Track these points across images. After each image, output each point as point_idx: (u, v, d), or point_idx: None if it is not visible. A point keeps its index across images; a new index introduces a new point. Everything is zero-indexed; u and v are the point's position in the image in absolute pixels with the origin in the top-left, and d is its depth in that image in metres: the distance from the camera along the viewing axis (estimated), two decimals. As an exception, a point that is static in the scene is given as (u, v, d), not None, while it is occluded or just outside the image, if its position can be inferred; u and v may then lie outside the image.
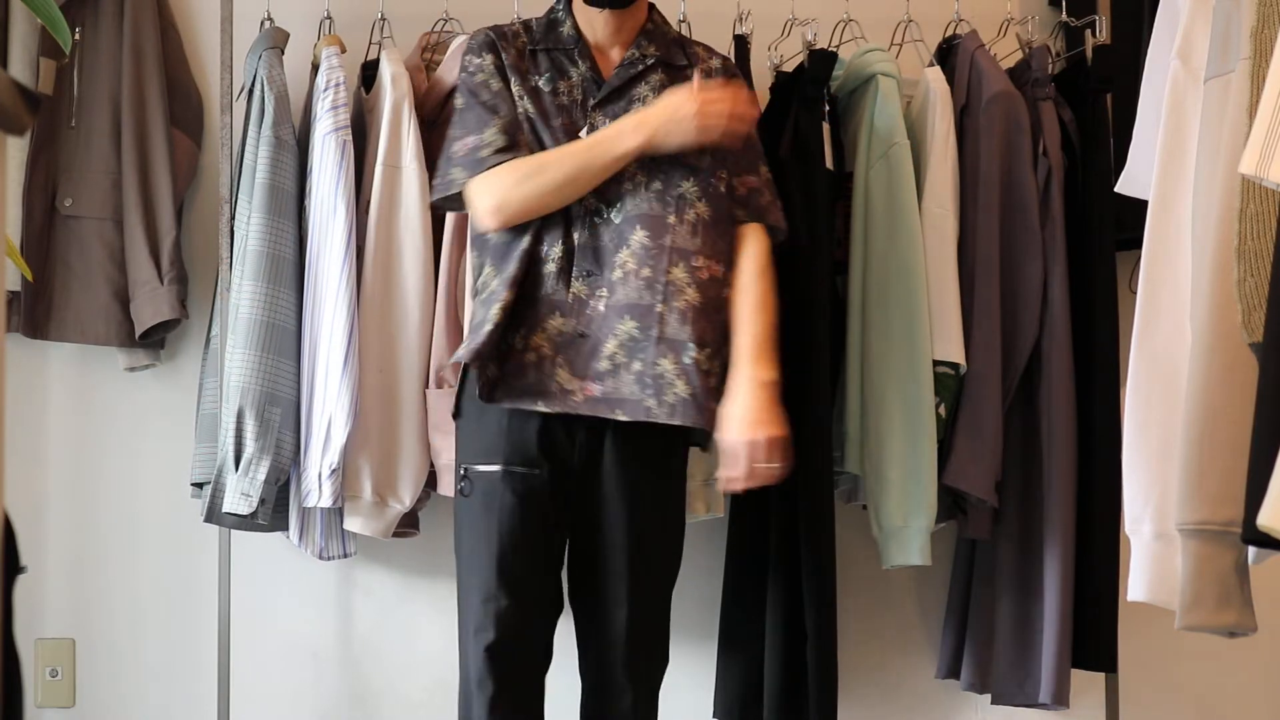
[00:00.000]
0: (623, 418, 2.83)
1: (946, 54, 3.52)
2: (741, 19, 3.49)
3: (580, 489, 2.89)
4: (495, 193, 2.88)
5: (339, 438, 3.25)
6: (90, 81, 3.52)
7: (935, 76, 3.41)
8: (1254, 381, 2.18)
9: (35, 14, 2.74)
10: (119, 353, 3.61)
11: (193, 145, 3.63)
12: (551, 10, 3.07)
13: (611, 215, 2.91)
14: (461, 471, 2.91)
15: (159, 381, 3.67)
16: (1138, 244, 2.68)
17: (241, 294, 3.29)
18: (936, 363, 3.30)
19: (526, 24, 3.09)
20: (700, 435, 2.99)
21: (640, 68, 3.00)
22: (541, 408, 2.85)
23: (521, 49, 3.02)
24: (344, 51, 3.42)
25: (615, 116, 2.94)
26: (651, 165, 2.91)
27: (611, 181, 2.90)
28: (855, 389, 3.34)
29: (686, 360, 2.84)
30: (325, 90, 3.34)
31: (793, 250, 3.35)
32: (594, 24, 3.02)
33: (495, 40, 3.03)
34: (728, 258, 2.94)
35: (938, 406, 3.29)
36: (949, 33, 3.55)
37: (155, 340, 3.57)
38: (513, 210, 2.88)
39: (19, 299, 3.46)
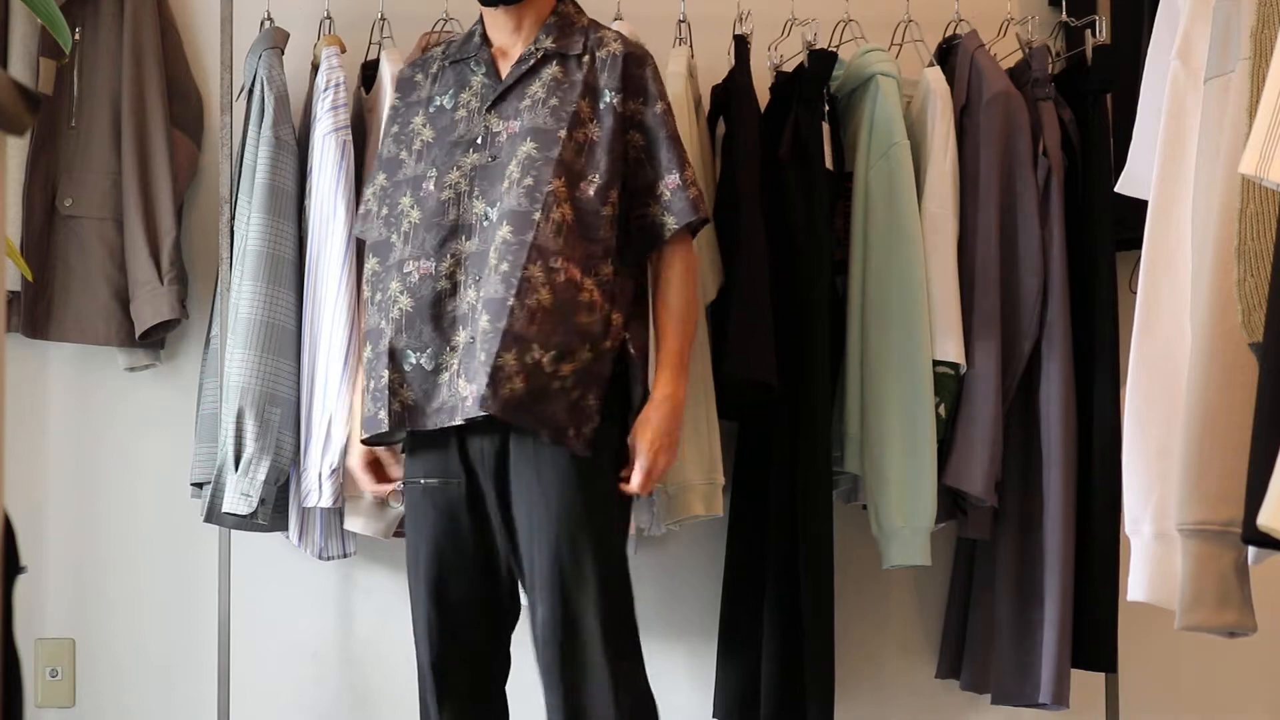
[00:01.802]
0: (479, 414, 2.79)
1: (946, 54, 3.52)
2: (741, 19, 3.49)
3: (495, 490, 2.88)
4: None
5: (339, 438, 3.25)
6: (90, 81, 3.52)
7: (935, 76, 3.41)
8: (1254, 381, 2.18)
9: (35, 14, 2.73)
10: (119, 353, 3.61)
11: (193, 145, 3.63)
12: (475, 22, 3.09)
13: (492, 214, 2.90)
14: (400, 485, 2.98)
15: (159, 381, 3.67)
16: (1138, 244, 2.67)
17: (241, 294, 3.29)
18: (936, 363, 3.30)
19: (450, 42, 3.12)
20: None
21: (532, 62, 2.97)
22: (457, 421, 2.86)
23: (436, 72, 3.05)
24: (344, 51, 3.42)
25: (509, 117, 2.94)
26: (527, 162, 2.88)
27: (498, 182, 2.90)
28: (855, 389, 3.34)
29: (528, 359, 2.80)
30: (325, 90, 3.34)
31: (793, 250, 3.35)
32: (496, 25, 3.03)
33: (411, 76, 3.09)
34: (588, 265, 2.86)
35: (938, 406, 3.29)
36: (949, 33, 3.55)
37: (155, 340, 3.57)
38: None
39: (19, 299, 3.46)
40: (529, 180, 2.86)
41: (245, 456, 3.24)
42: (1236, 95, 2.34)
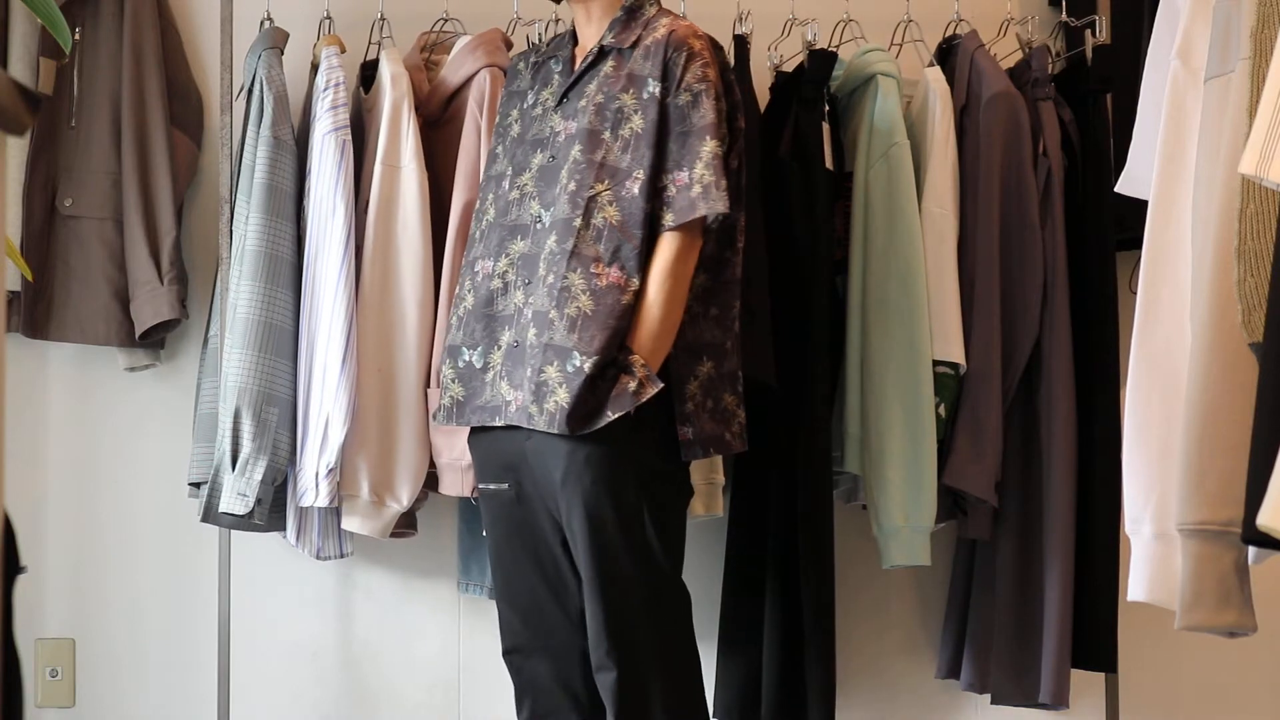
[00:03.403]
0: (528, 426, 2.83)
1: (946, 54, 3.52)
2: (741, 19, 3.49)
3: (540, 491, 2.91)
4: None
5: (336, 437, 3.25)
6: (90, 81, 3.52)
7: (935, 76, 3.41)
8: (1254, 381, 2.18)
9: (35, 14, 2.73)
10: (119, 353, 3.61)
11: (193, 145, 3.62)
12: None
13: (545, 220, 2.92)
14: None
15: (159, 381, 3.67)
16: (1138, 244, 2.68)
17: (239, 294, 3.29)
18: (936, 363, 3.30)
19: (558, 36, 3.15)
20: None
21: (591, 59, 2.97)
22: (497, 423, 2.90)
23: (534, 64, 3.10)
24: (344, 51, 3.42)
25: (569, 116, 2.94)
26: (573, 166, 2.88)
27: (553, 185, 2.91)
28: (855, 389, 3.34)
29: (569, 368, 2.79)
30: (325, 90, 3.34)
31: (793, 250, 3.35)
32: (578, 20, 3.04)
33: (516, 65, 3.15)
34: (633, 265, 2.82)
35: (938, 406, 3.29)
36: (949, 33, 3.55)
37: (155, 340, 3.57)
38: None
39: (19, 299, 3.46)
40: (573, 185, 2.88)
41: (242, 456, 3.24)
42: (1236, 95, 2.34)
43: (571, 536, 2.86)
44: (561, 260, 2.83)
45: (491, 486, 2.96)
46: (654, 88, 2.88)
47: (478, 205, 3.11)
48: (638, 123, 2.87)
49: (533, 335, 2.85)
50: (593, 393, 2.77)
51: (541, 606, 2.95)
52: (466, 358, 2.96)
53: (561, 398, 2.78)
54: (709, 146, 2.84)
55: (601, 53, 2.95)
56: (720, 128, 2.86)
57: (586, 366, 2.76)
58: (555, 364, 2.80)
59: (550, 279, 2.84)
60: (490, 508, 2.98)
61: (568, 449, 2.81)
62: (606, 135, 2.87)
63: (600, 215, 2.83)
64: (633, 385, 2.79)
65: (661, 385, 2.81)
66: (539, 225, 2.91)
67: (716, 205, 2.82)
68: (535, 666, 2.97)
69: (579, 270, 2.81)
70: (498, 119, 3.15)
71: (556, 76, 3.03)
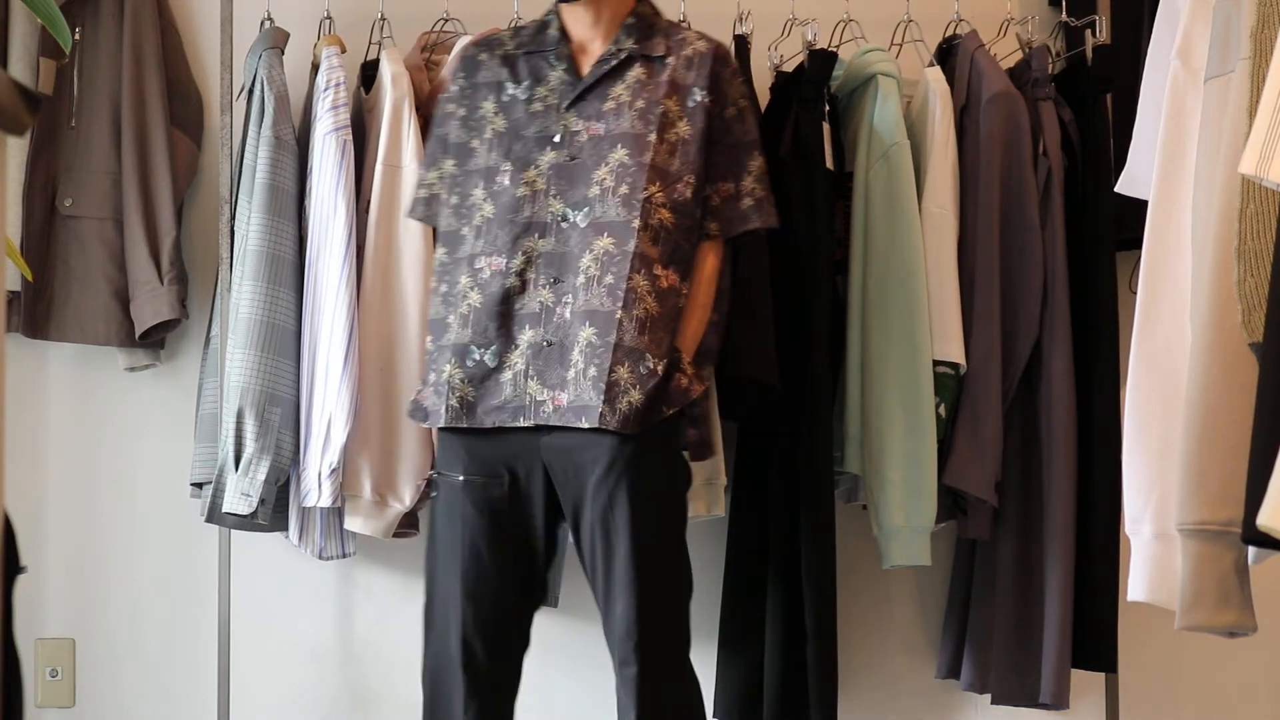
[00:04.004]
0: (585, 425, 2.83)
1: (946, 54, 3.52)
2: (741, 19, 3.49)
3: (545, 491, 2.90)
4: None
5: (339, 437, 3.25)
6: (90, 81, 3.52)
7: (935, 76, 3.41)
8: (1254, 381, 2.18)
9: (35, 14, 2.73)
10: (119, 353, 3.61)
11: (193, 145, 3.63)
12: (546, 13, 3.09)
13: (577, 220, 2.91)
14: (433, 475, 2.98)
15: (159, 381, 3.67)
16: (1138, 244, 2.67)
17: (241, 294, 3.29)
18: (936, 363, 3.30)
19: (520, 29, 3.11)
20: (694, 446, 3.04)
21: (614, 63, 2.97)
22: (522, 423, 2.88)
23: (505, 56, 3.04)
24: (344, 51, 3.42)
25: (590, 117, 2.94)
26: (620, 171, 2.89)
27: (579, 184, 2.91)
28: (855, 389, 3.34)
29: (643, 369, 2.84)
30: (326, 90, 3.34)
31: (793, 250, 3.35)
32: (574, 20, 3.03)
33: (475, 55, 3.08)
34: (685, 268, 2.92)
35: (938, 406, 3.29)
36: (949, 33, 3.55)
37: (155, 340, 3.57)
38: None
39: (19, 299, 3.46)
40: (624, 188, 2.88)
41: (245, 456, 3.24)
42: (1236, 95, 2.34)
43: (602, 532, 2.86)
44: (624, 262, 2.85)
45: (479, 478, 2.90)
46: (702, 97, 2.96)
47: (444, 196, 3.03)
48: (684, 129, 2.94)
49: (591, 335, 2.84)
50: (660, 393, 2.86)
51: (508, 607, 2.94)
52: (477, 356, 2.91)
53: (635, 398, 2.83)
54: (758, 161, 2.99)
55: (628, 58, 2.97)
56: (762, 144, 3.01)
57: (659, 369, 2.84)
58: (626, 364, 2.83)
59: (609, 279, 2.85)
60: (471, 499, 2.90)
61: (613, 444, 2.84)
62: (653, 138, 2.92)
63: (656, 217, 2.89)
64: (685, 383, 2.89)
65: (704, 385, 2.96)
66: (564, 224, 2.91)
67: (770, 219, 2.99)
68: (493, 667, 2.94)
69: (643, 272, 2.86)
70: (459, 110, 3.05)
71: (556, 74, 3.01)
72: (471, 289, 2.94)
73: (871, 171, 3.35)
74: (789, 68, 3.54)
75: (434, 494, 2.98)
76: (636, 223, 2.86)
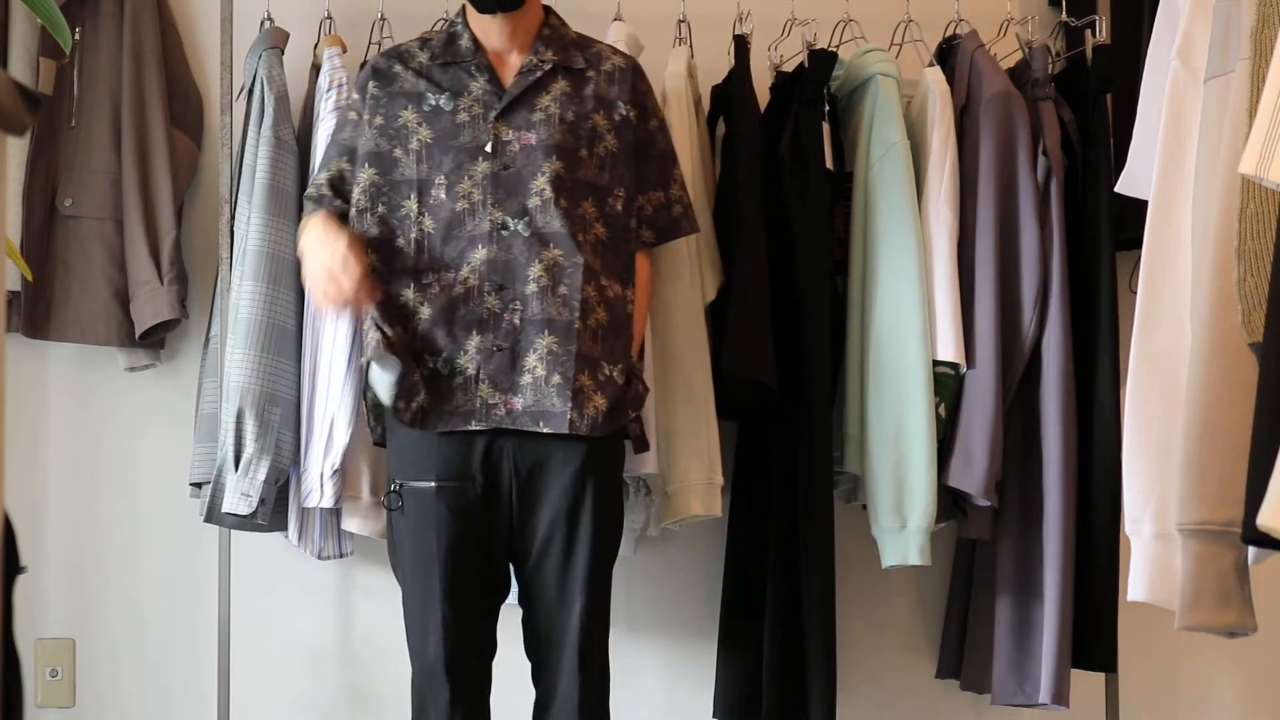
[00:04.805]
0: (546, 430, 2.89)
1: (946, 54, 3.52)
2: (741, 19, 3.49)
3: (518, 492, 2.93)
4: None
5: (341, 438, 3.25)
6: (90, 81, 3.52)
7: (935, 76, 3.41)
8: (1254, 381, 2.18)
9: (35, 14, 2.73)
10: (119, 353, 3.61)
11: (193, 145, 3.63)
12: (450, 24, 3.10)
13: (519, 228, 2.93)
14: (394, 486, 2.95)
15: (159, 381, 3.67)
16: (1138, 244, 2.68)
17: (241, 294, 3.29)
18: (936, 363, 3.30)
19: (426, 40, 3.11)
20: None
21: (539, 74, 3.01)
22: (474, 426, 2.90)
23: (420, 68, 3.04)
24: (345, 51, 3.42)
25: (520, 127, 2.97)
26: (557, 183, 2.93)
27: (517, 194, 2.94)
28: (855, 389, 3.34)
29: (601, 376, 2.92)
30: (328, 90, 3.34)
31: (792, 250, 3.35)
32: (488, 31, 3.04)
33: (389, 67, 3.06)
34: (625, 277, 3.01)
35: (938, 406, 3.29)
36: (949, 33, 3.55)
37: (155, 340, 3.57)
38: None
39: (19, 299, 3.46)
40: (564, 201, 2.93)
41: (245, 456, 3.24)
42: (1236, 95, 2.34)
43: (566, 529, 2.91)
44: (575, 273, 2.92)
45: (452, 483, 2.91)
46: (626, 111, 3.04)
47: (368, 206, 2.98)
48: (611, 142, 3.02)
49: (551, 343, 2.89)
50: (622, 398, 2.95)
51: (484, 610, 2.98)
52: (431, 365, 2.93)
53: (599, 404, 2.91)
54: (679, 170, 3.11)
55: (551, 69, 3.01)
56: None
57: (616, 375, 2.94)
58: (587, 372, 2.91)
59: (563, 290, 2.91)
60: (445, 503, 2.90)
61: (584, 447, 2.91)
62: (583, 153, 2.98)
63: (592, 231, 2.97)
64: (641, 389, 3.02)
65: (648, 389, 3.09)
66: (504, 232, 2.93)
67: (695, 226, 3.13)
68: (473, 669, 2.96)
69: (591, 283, 2.94)
70: (375, 119, 3.01)
71: (478, 84, 3.01)
72: (422, 304, 2.94)
73: (871, 171, 3.35)
74: (789, 68, 3.54)
75: (394, 508, 2.95)
76: (579, 235, 2.94)
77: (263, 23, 3.46)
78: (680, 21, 3.49)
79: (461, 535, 2.91)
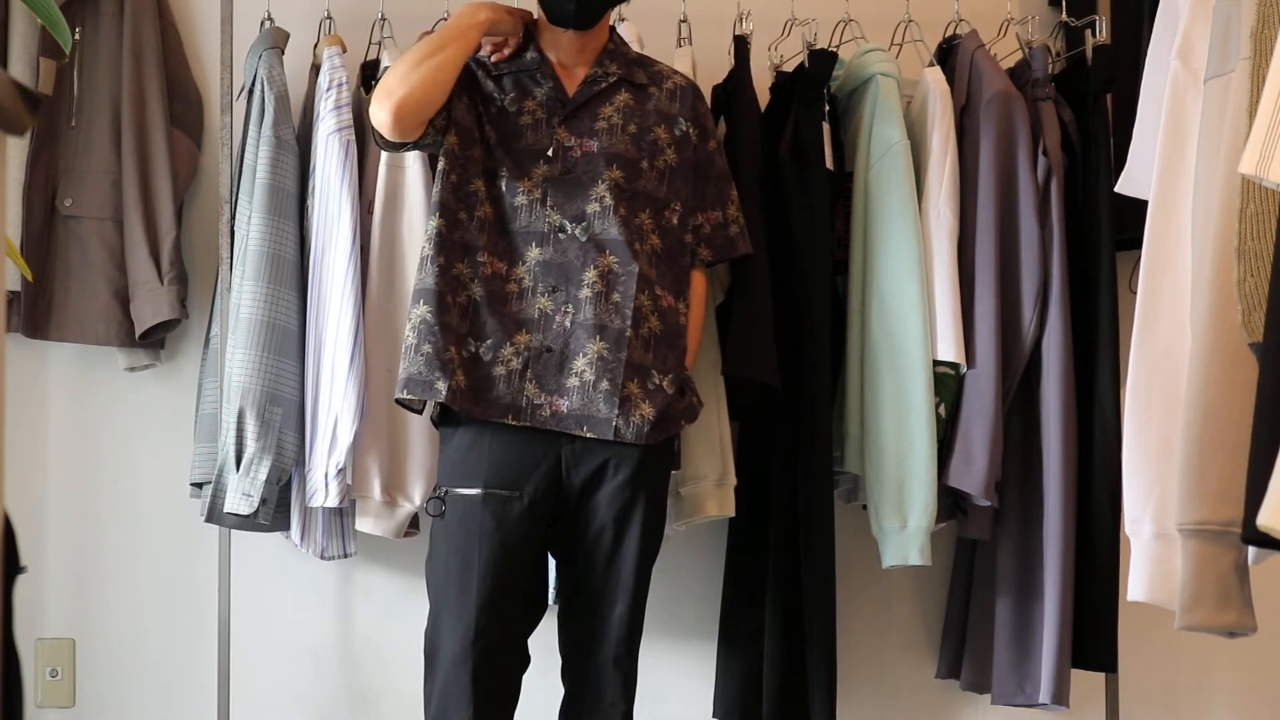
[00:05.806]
0: (589, 435, 2.92)
1: (946, 54, 3.52)
2: (741, 19, 3.49)
3: (556, 498, 2.96)
4: (384, 87, 2.96)
5: (345, 438, 3.25)
6: (90, 81, 3.52)
7: (935, 76, 3.41)
8: (1254, 381, 2.18)
9: (35, 14, 2.73)
10: (119, 353, 3.61)
11: (193, 145, 3.63)
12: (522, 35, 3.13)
13: (576, 232, 2.97)
14: (439, 492, 2.96)
15: (159, 381, 3.67)
16: (1138, 244, 2.68)
17: (242, 294, 3.29)
18: (936, 363, 3.30)
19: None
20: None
21: (603, 85, 3.07)
22: (511, 421, 2.92)
23: (488, 71, 3.10)
24: (345, 51, 3.42)
25: (582, 134, 3.02)
26: (616, 192, 2.98)
27: (576, 198, 2.98)
28: (855, 389, 3.34)
29: (650, 385, 2.95)
30: (329, 90, 3.34)
31: (793, 250, 3.36)
32: (558, 44, 3.09)
33: (472, 66, 3.11)
34: (678, 289, 3.06)
35: (938, 406, 3.29)
36: (949, 33, 3.55)
37: (155, 340, 3.57)
38: (400, 95, 2.93)
39: (19, 299, 3.46)
40: (623, 209, 2.99)
41: (246, 456, 3.24)
42: (1236, 95, 2.34)
43: (613, 534, 2.95)
44: (629, 281, 2.96)
45: (500, 492, 2.92)
46: (687, 128, 3.11)
47: (453, 176, 3.01)
48: (671, 157, 3.08)
49: (602, 349, 2.93)
50: (671, 407, 2.99)
51: (517, 622, 3.00)
52: (472, 348, 2.96)
53: (647, 412, 2.95)
54: (736, 192, 3.17)
55: (616, 82, 3.07)
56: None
57: (666, 385, 2.98)
58: (636, 380, 2.95)
59: (617, 297, 2.96)
60: (492, 513, 2.92)
61: (638, 455, 2.95)
62: (644, 164, 3.04)
63: (649, 242, 3.02)
64: (695, 400, 3.08)
65: (703, 404, 3.13)
66: (561, 235, 2.98)
67: (750, 246, 3.17)
68: (505, 686, 2.98)
69: (645, 292, 2.99)
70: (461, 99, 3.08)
71: (543, 91, 3.06)
72: (473, 281, 2.98)
73: (871, 171, 3.35)
74: (789, 68, 3.54)
75: (436, 513, 2.96)
76: (636, 244, 2.98)
77: (263, 23, 3.47)
78: (681, 21, 3.49)
79: (504, 546, 2.92)
